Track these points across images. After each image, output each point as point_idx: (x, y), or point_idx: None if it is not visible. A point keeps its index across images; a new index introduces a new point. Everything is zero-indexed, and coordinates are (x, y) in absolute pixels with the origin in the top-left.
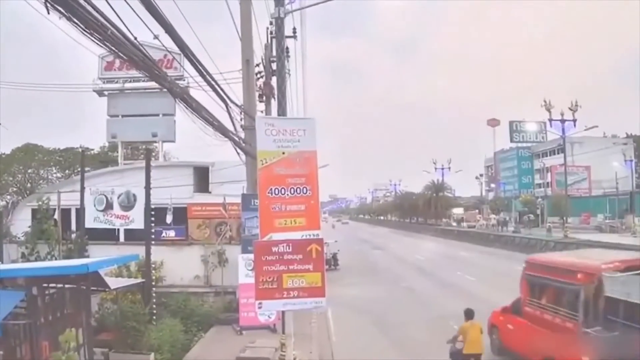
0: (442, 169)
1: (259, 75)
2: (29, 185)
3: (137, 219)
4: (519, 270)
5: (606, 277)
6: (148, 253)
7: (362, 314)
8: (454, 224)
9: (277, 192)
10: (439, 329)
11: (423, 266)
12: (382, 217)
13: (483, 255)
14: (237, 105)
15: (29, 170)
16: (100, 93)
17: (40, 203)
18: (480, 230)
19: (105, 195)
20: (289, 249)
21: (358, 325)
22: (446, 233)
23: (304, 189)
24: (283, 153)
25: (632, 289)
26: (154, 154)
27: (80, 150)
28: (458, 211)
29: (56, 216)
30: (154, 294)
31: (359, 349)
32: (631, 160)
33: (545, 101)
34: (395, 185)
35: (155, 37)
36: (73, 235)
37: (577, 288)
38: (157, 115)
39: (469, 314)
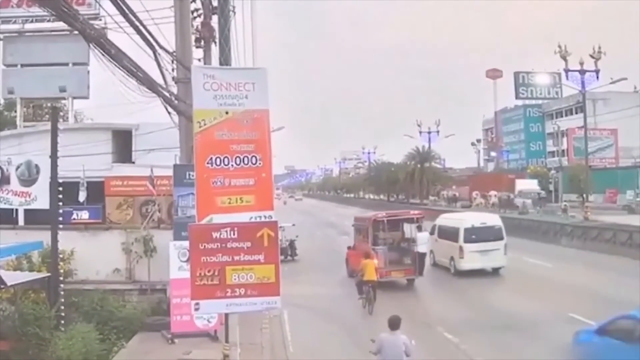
0: (429, 133)
1: (195, 14)
2: None
3: (40, 197)
4: (528, 264)
5: (376, 221)
6: (54, 240)
7: (327, 318)
8: (444, 202)
9: (218, 163)
10: (424, 334)
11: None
12: (353, 195)
13: None
14: (167, 52)
15: None
16: None
17: None
18: (477, 211)
19: (0, 167)
20: (233, 234)
21: (322, 332)
22: (434, 215)
23: (253, 159)
24: (226, 113)
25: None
26: (62, 113)
27: None
28: (528, 185)
29: None
30: (62, 292)
31: None
32: None
33: (560, 47)
34: (368, 153)
35: None
36: None
37: (366, 226)
38: (66, 64)
39: (367, 255)
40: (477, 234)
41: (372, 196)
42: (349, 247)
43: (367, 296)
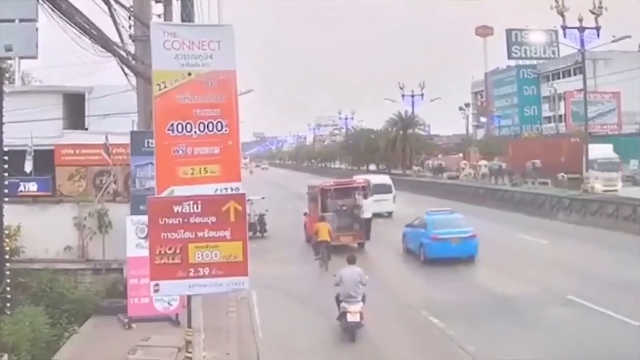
0: (412, 96)
1: None
2: None
3: None
4: (521, 240)
5: (324, 189)
6: None
7: (300, 300)
8: (429, 173)
9: (180, 129)
10: (408, 321)
11: (384, 232)
12: (328, 165)
13: (469, 219)
14: (124, 7)
15: None
16: None
17: None
18: (465, 182)
19: None
20: (197, 208)
21: (294, 315)
22: (417, 186)
23: (219, 125)
24: (189, 74)
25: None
26: (7, 74)
27: None
28: (602, 152)
29: None
30: (7, 272)
31: (297, 349)
32: None
33: (557, 1)
34: (345, 119)
35: None
36: None
37: (316, 194)
38: (12, 21)
39: (322, 219)
40: (372, 189)
41: (349, 166)
42: (305, 214)
43: (322, 256)
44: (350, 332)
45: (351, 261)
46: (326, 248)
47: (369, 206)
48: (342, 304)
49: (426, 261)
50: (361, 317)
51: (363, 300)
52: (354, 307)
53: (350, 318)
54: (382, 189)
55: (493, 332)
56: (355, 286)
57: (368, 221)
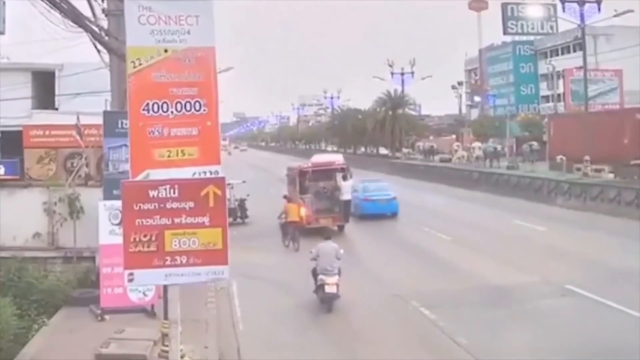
0: (402, 74)
1: None
2: None
3: None
4: (518, 227)
5: (302, 171)
6: None
7: (282, 291)
8: (420, 156)
9: (156, 109)
10: (398, 312)
11: (371, 218)
12: (313, 146)
13: (462, 204)
14: None
15: None
16: None
17: None
18: (458, 165)
19: None
20: (174, 193)
21: (277, 307)
22: (407, 170)
23: (197, 104)
24: (165, 51)
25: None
26: None
27: None
28: None
29: None
30: None
31: (278, 342)
32: None
33: None
34: (331, 98)
35: None
36: None
37: (295, 176)
38: None
39: (289, 200)
40: None
41: (336, 148)
42: (285, 196)
43: (292, 236)
44: (327, 302)
45: (327, 237)
46: (295, 229)
47: (348, 188)
48: (320, 277)
49: (361, 217)
50: (337, 289)
51: (339, 273)
52: (331, 279)
53: (327, 289)
54: None
55: (487, 324)
56: (331, 260)
57: (347, 203)
